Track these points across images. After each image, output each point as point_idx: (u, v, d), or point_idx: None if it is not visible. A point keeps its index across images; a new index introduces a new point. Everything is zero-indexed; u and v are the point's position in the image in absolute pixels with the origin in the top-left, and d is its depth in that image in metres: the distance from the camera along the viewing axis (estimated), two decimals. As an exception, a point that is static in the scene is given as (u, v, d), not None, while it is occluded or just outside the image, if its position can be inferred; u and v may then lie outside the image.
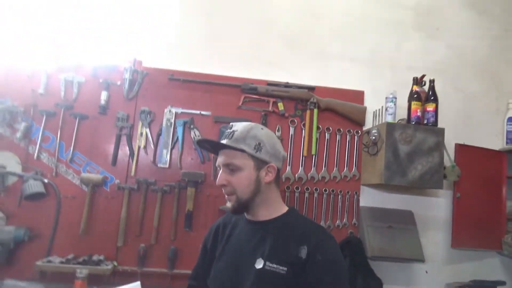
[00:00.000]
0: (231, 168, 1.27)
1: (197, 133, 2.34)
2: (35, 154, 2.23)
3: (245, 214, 1.37)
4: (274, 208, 1.34)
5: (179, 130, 2.33)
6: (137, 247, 2.23)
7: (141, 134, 2.31)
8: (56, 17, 2.38)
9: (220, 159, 1.30)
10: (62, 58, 2.33)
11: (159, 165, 2.31)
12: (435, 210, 2.51)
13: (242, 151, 1.26)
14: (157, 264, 2.25)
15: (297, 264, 1.20)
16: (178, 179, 2.31)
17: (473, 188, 2.45)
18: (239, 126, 1.30)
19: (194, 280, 1.52)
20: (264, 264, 1.22)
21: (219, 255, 1.37)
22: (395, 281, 2.42)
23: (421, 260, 2.30)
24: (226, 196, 1.31)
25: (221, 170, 1.30)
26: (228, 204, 1.31)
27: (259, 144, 1.28)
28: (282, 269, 1.20)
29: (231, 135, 1.28)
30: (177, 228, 2.28)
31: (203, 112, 2.38)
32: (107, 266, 2.12)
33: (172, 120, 2.33)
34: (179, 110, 2.36)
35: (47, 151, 2.26)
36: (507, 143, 2.56)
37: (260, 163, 1.29)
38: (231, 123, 1.33)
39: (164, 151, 2.31)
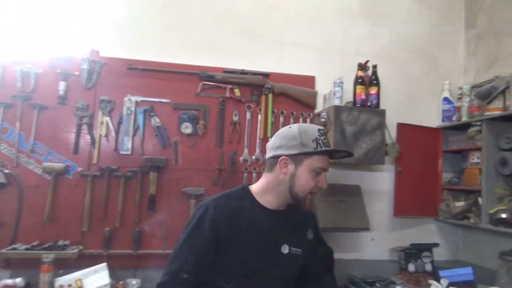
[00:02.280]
0: None
1: (157, 120, 2.43)
2: (-6, 146, 2.26)
3: (264, 203, 1.43)
4: None
5: (140, 118, 2.41)
6: (102, 231, 2.32)
7: (102, 122, 2.37)
8: (11, 10, 2.36)
9: (328, 166, 1.42)
10: (19, 51, 2.33)
11: (121, 152, 2.39)
12: (380, 183, 2.77)
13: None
14: (123, 246, 2.36)
15: (308, 244, 1.52)
16: (141, 165, 2.40)
17: (413, 162, 2.72)
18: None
19: (192, 275, 1.32)
20: (290, 249, 1.44)
21: (242, 242, 1.35)
22: (345, 249, 2.67)
23: (367, 228, 2.55)
24: (311, 195, 1.42)
25: (324, 174, 1.42)
26: (308, 203, 1.43)
27: None
28: (299, 251, 1.47)
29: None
30: (141, 211, 2.40)
31: (162, 100, 2.47)
32: (73, 250, 2.21)
33: (133, 108, 2.41)
34: (139, 99, 2.43)
35: (6, 142, 2.28)
36: (443, 120, 2.83)
37: None
38: (323, 128, 1.43)
39: (126, 139, 2.39)
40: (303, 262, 1.51)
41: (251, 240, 1.36)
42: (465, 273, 2.32)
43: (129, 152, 2.40)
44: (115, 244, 2.36)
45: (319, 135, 1.38)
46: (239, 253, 1.35)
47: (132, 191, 2.39)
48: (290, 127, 1.43)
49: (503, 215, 2.24)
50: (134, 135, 2.41)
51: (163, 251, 2.40)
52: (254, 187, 1.48)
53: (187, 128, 2.46)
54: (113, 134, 2.38)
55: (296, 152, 1.37)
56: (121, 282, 2.26)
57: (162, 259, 2.38)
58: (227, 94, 2.53)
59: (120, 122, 2.40)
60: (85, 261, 2.25)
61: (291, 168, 1.38)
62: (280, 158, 1.39)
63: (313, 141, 1.36)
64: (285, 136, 1.41)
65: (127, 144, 2.39)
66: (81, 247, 2.28)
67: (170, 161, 2.45)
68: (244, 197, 1.44)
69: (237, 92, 2.54)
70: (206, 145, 2.52)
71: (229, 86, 2.54)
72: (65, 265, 2.19)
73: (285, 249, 1.42)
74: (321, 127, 1.43)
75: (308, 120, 2.66)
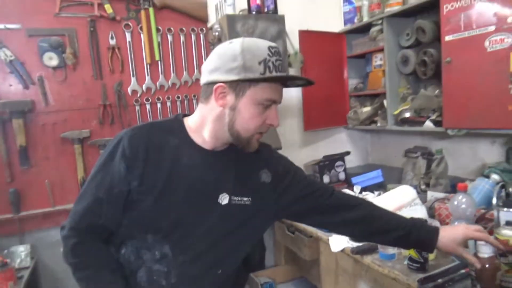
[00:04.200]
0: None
1: (8, 53, 1.91)
2: None
3: (198, 142, 1.10)
4: None
5: (-18, 52, 1.88)
6: (-35, 199, 1.90)
7: None
8: None
9: (280, 97, 1.07)
10: None
11: (-36, 98, 1.88)
12: (287, 99, 2.59)
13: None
14: (-2, 211, 1.98)
15: (264, 190, 1.14)
16: (-2, 112, 1.93)
17: (318, 72, 2.57)
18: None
19: (91, 233, 1.05)
20: (230, 199, 1.09)
21: (161, 189, 1.05)
22: (260, 172, 2.55)
23: (279, 148, 2.42)
24: (259, 135, 1.08)
25: (276, 109, 1.06)
26: (256, 144, 1.09)
27: None
28: (247, 199, 1.11)
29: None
30: (12, 168, 1.98)
31: (9, 26, 1.93)
32: None
33: (-32, 40, 1.85)
34: (-25, 26, 1.87)
35: None
36: (345, 24, 2.67)
37: None
38: (276, 48, 1.03)
39: (-32, 81, 1.87)
40: (303, 206, 1.19)
41: (176, 185, 1.06)
42: (374, 176, 2.35)
43: (-24, 98, 1.89)
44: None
45: (269, 55, 1.01)
46: (159, 201, 1.05)
47: (-6, 145, 1.94)
48: (231, 42, 1.05)
49: (407, 114, 2.23)
50: (-21, 75, 1.90)
51: (52, 208, 2.07)
52: (190, 120, 1.13)
53: (51, 60, 1.99)
54: None
55: (236, 78, 1.00)
56: (5, 251, 1.91)
57: (54, 216, 2.07)
58: (96, 12, 2.06)
59: (-47, 60, 1.85)
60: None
61: (230, 99, 1.03)
62: (216, 86, 1.02)
63: (260, 64, 1.00)
64: (223, 55, 1.03)
65: (-29, 88, 1.87)
66: None
67: (38, 103, 2.01)
68: (175, 130, 1.11)
69: (108, 8, 2.07)
70: (82, 78, 2.09)
71: (97, 2, 2.06)
72: None
73: (223, 199, 1.09)
74: (274, 44, 1.04)
75: (201, 36, 2.32)
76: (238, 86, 1.01)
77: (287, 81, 1.10)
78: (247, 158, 1.14)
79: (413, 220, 1.18)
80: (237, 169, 1.13)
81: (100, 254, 1.05)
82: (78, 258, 1.03)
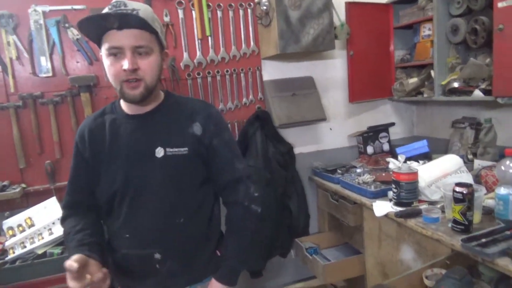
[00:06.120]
0: (144, 51, 1.13)
1: (75, 32, 2.09)
2: None
3: (124, 109, 1.26)
4: (157, 95, 1.28)
5: (53, 32, 2.06)
6: (43, 165, 2.13)
7: (8, 43, 2.01)
8: None
9: (127, 41, 1.10)
10: None
11: (40, 75, 2.08)
12: (333, 71, 2.64)
13: (156, 33, 1.16)
14: (70, 176, 2.20)
15: (194, 141, 1.25)
16: (68, 87, 2.13)
17: (364, 44, 2.58)
18: (138, 6, 1.13)
19: (71, 208, 1.32)
20: (165, 152, 1.23)
21: (108, 159, 1.25)
22: (305, 142, 2.64)
23: (324, 119, 2.49)
24: (131, 84, 1.14)
25: (129, 53, 1.11)
26: (134, 92, 1.14)
27: (161, 28, 1.21)
28: (183, 150, 1.23)
29: (135, 14, 1.09)
30: (82, 137, 2.19)
31: (75, 7, 2.10)
32: (15, 190, 2.03)
33: (41, 21, 2.04)
34: (46, 8, 2.05)
35: None
36: (392, -6, 2.64)
37: (162, 48, 1.21)
38: (118, 1, 1.12)
39: (42, 59, 2.07)
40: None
41: (117, 151, 1.24)
42: (420, 146, 2.36)
43: (50, 74, 2.09)
44: (61, 176, 2.18)
45: (108, 8, 1.11)
46: (109, 168, 1.25)
47: (66, 117, 2.15)
48: None
49: (455, 84, 2.21)
50: (51, 53, 2.09)
51: (116, 174, 2.27)
52: None
53: (112, 38, 2.16)
54: (25, 55, 2.05)
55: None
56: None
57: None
58: (152, -9, 2.19)
59: (30, 40, 2.05)
60: (32, 199, 2.11)
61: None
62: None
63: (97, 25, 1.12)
64: None
65: (45, 65, 2.07)
66: (23, 185, 2.11)
67: (101, 78, 2.18)
68: (112, 109, 1.30)
69: (162, -14, 2.20)
70: (139, 54, 2.24)
71: (152, -19, 2.18)
72: (11, 206, 2.06)
73: (159, 153, 1.23)
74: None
75: (249, 11, 2.39)
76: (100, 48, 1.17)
77: (125, 23, 1.10)
78: (180, 114, 1.28)
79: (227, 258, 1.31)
80: (170, 124, 1.26)
81: (71, 222, 1.27)
82: (63, 229, 1.30)
